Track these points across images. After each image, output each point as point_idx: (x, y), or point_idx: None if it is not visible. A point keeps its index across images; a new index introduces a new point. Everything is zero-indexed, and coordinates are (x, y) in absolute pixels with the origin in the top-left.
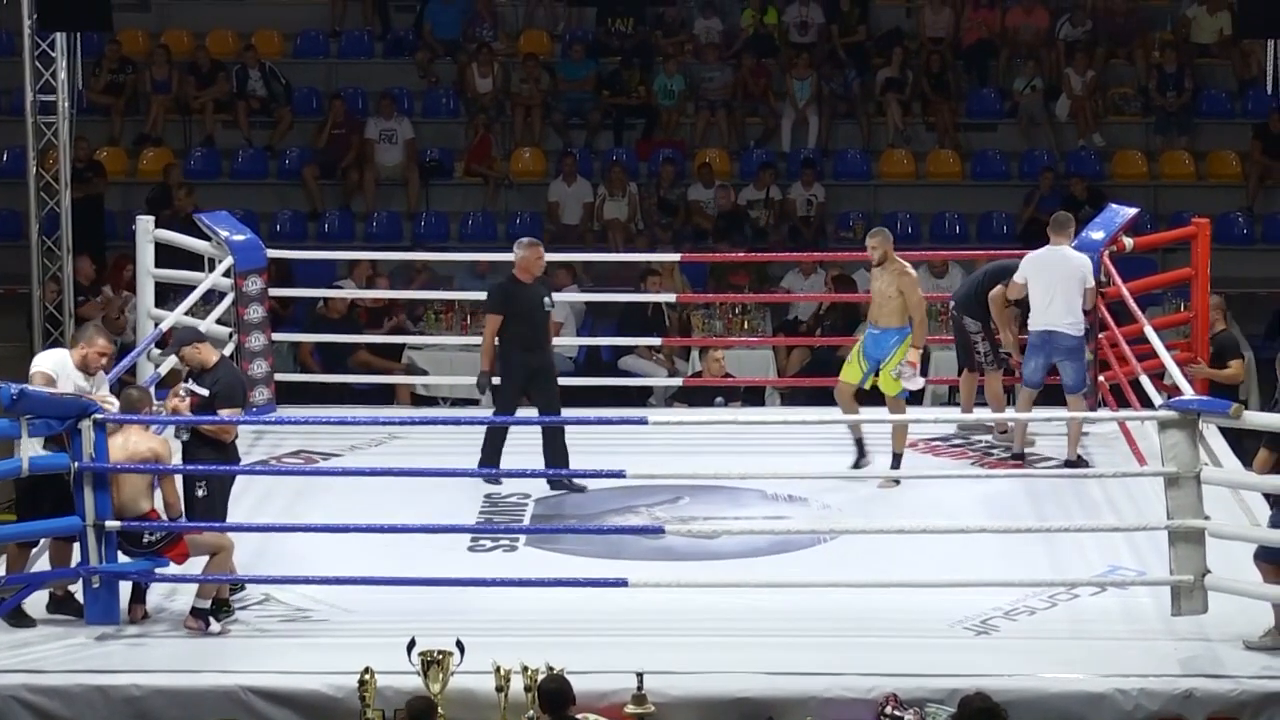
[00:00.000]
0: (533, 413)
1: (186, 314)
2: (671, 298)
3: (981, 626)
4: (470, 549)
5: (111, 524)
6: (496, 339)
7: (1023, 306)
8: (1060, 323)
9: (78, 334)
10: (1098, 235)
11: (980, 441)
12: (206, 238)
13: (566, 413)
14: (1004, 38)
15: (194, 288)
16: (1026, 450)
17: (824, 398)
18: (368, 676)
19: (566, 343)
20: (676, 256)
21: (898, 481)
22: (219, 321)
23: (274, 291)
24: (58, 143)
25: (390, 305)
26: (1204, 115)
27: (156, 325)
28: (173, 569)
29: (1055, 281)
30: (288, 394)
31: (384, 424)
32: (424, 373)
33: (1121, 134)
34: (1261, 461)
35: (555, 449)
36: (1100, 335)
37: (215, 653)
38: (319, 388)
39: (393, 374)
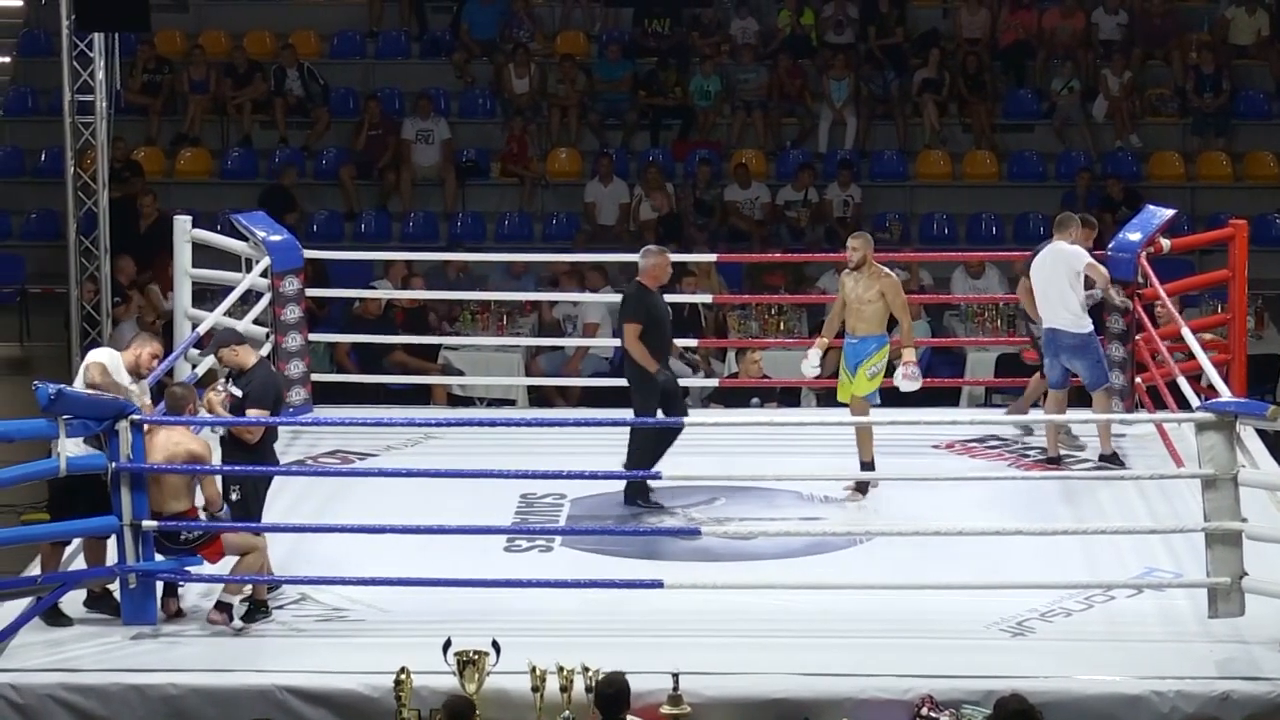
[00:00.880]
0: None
1: (224, 315)
2: (708, 298)
3: (1017, 628)
4: (506, 549)
5: (148, 524)
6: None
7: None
8: (1058, 320)
9: (131, 339)
10: (1135, 236)
11: (1019, 443)
12: (244, 238)
13: (602, 414)
14: (1041, 39)
15: (231, 288)
16: (1066, 453)
17: None
18: (404, 676)
19: (602, 344)
20: (713, 257)
21: (864, 492)
22: (256, 322)
23: (310, 292)
24: (95, 143)
25: (425, 306)
26: (1241, 116)
27: (193, 325)
28: (208, 568)
29: (1050, 280)
30: (324, 394)
31: (420, 424)
32: (460, 373)
33: (1159, 135)
34: None
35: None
36: (1138, 337)
37: (252, 652)
38: (355, 388)
39: (429, 374)
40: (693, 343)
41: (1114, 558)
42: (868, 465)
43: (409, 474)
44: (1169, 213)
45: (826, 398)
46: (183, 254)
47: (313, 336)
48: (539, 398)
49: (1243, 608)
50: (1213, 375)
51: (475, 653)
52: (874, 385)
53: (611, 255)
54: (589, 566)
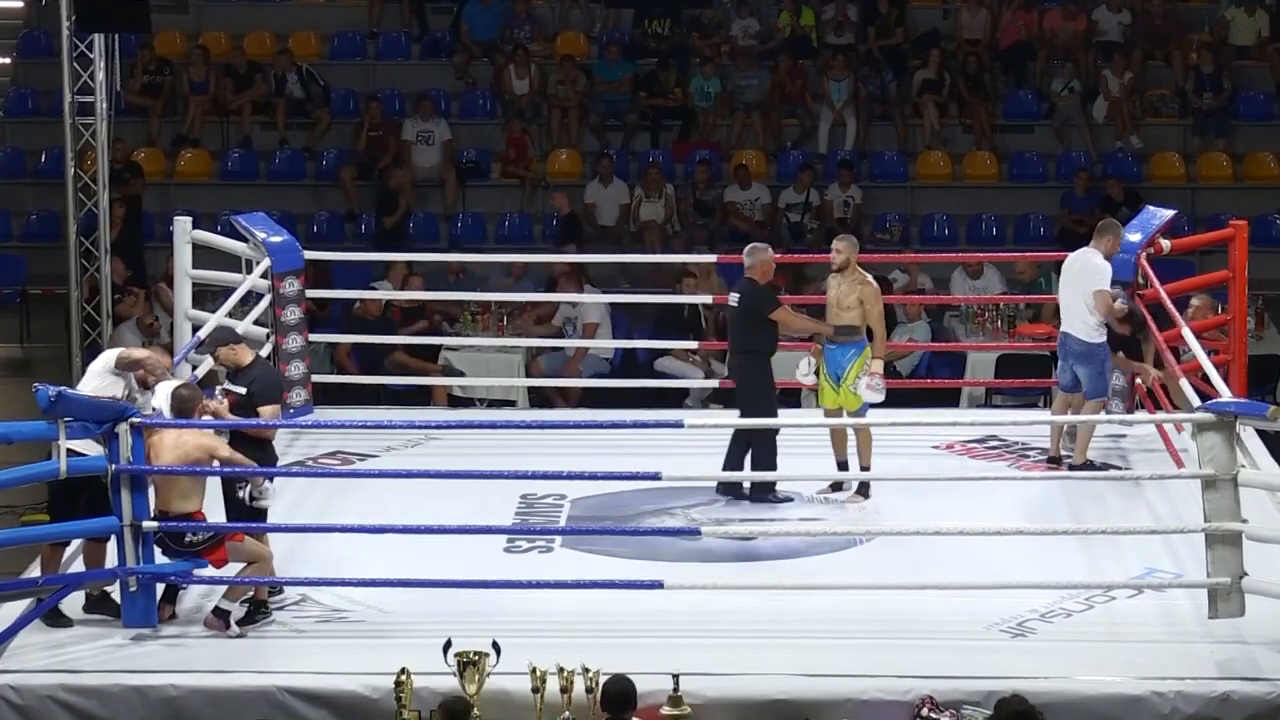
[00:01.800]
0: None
1: (225, 316)
2: (708, 299)
3: (1018, 629)
4: (506, 550)
5: (149, 524)
6: (744, 343)
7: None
8: (1072, 326)
9: (113, 338)
10: (1135, 237)
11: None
12: (244, 239)
13: (601, 415)
14: (1041, 40)
15: (232, 289)
16: (1067, 454)
17: None
18: (404, 677)
19: (601, 344)
20: (713, 258)
21: (868, 496)
22: (256, 323)
23: (311, 293)
24: (96, 144)
25: (425, 306)
26: (1242, 117)
27: (194, 327)
28: (210, 571)
29: (1072, 286)
30: (324, 395)
31: (420, 426)
32: (460, 374)
33: (1159, 136)
34: None
35: (741, 453)
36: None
37: (252, 653)
38: (356, 389)
39: (429, 375)
40: (693, 344)
41: (1114, 558)
42: (865, 470)
43: (409, 475)
44: (1169, 213)
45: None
46: (183, 255)
47: (313, 337)
48: (539, 399)
49: (1243, 608)
50: (1213, 375)
51: (475, 654)
52: (862, 399)
53: (611, 256)
54: (589, 567)
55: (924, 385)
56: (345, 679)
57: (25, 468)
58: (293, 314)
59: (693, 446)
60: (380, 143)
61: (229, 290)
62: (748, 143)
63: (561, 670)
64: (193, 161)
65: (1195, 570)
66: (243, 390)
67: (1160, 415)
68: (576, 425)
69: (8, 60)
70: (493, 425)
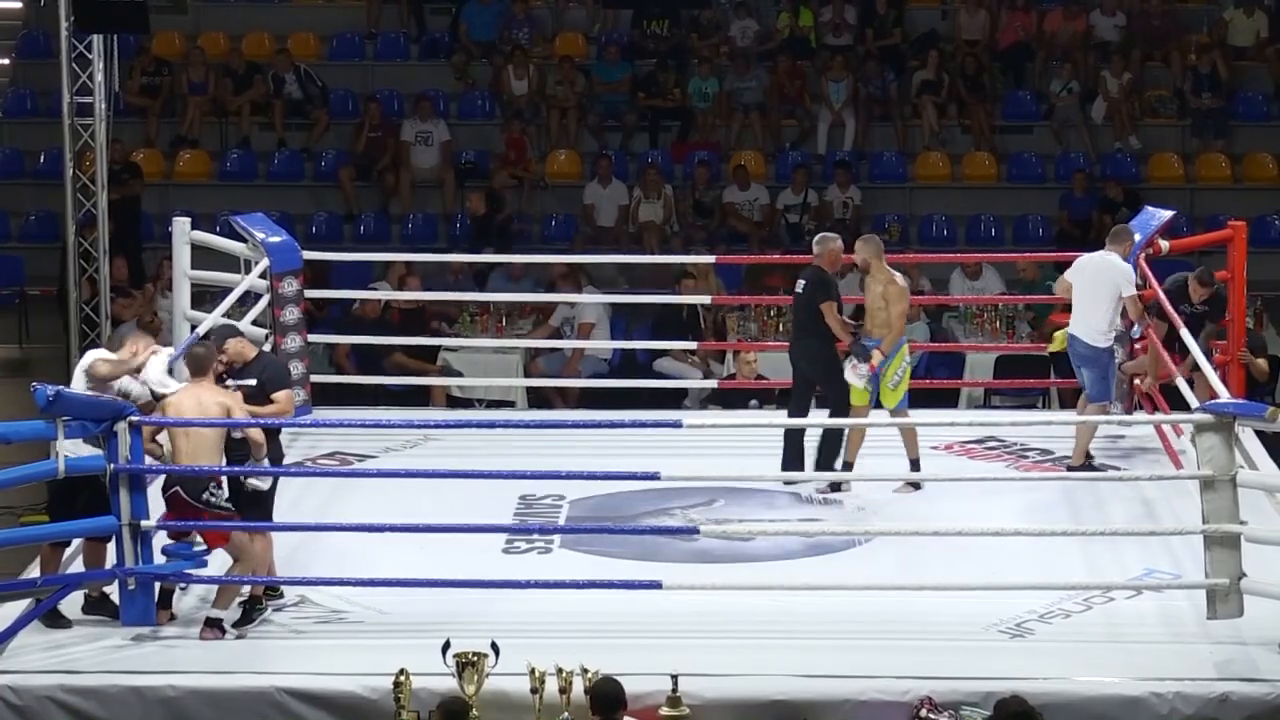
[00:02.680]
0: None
1: (223, 316)
2: (707, 300)
3: (1017, 629)
4: (505, 550)
5: (147, 523)
6: (806, 328)
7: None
8: (1078, 329)
9: (113, 339)
10: (1134, 237)
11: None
12: (243, 239)
13: (599, 416)
14: (1040, 40)
15: (230, 290)
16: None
17: None
18: (403, 678)
19: (599, 345)
20: (712, 259)
21: (918, 486)
22: (255, 323)
23: (310, 293)
24: (94, 145)
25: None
26: (1240, 118)
27: (192, 326)
28: (209, 571)
29: (1089, 289)
30: (323, 395)
31: (419, 426)
32: (459, 374)
33: (1158, 136)
34: None
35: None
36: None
37: (250, 654)
38: (354, 389)
39: (428, 376)
40: (692, 345)
41: (1113, 559)
42: (915, 463)
43: (408, 474)
44: (1168, 214)
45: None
46: (181, 255)
47: (312, 338)
48: (538, 399)
49: (1241, 609)
50: (1211, 377)
51: (474, 654)
52: (899, 394)
53: (611, 257)
54: (588, 567)
55: (923, 386)
56: (344, 680)
57: (23, 467)
58: (291, 314)
59: (692, 447)
60: (379, 143)
61: (228, 291)
62: (746, 143)
63: (560, 671)
64: (191, 162)
65: (1194, 571)
66: (252, 382)
67: (1159, 416)
68: (575, 425)
69: (6, 61)
70: (491, 425)
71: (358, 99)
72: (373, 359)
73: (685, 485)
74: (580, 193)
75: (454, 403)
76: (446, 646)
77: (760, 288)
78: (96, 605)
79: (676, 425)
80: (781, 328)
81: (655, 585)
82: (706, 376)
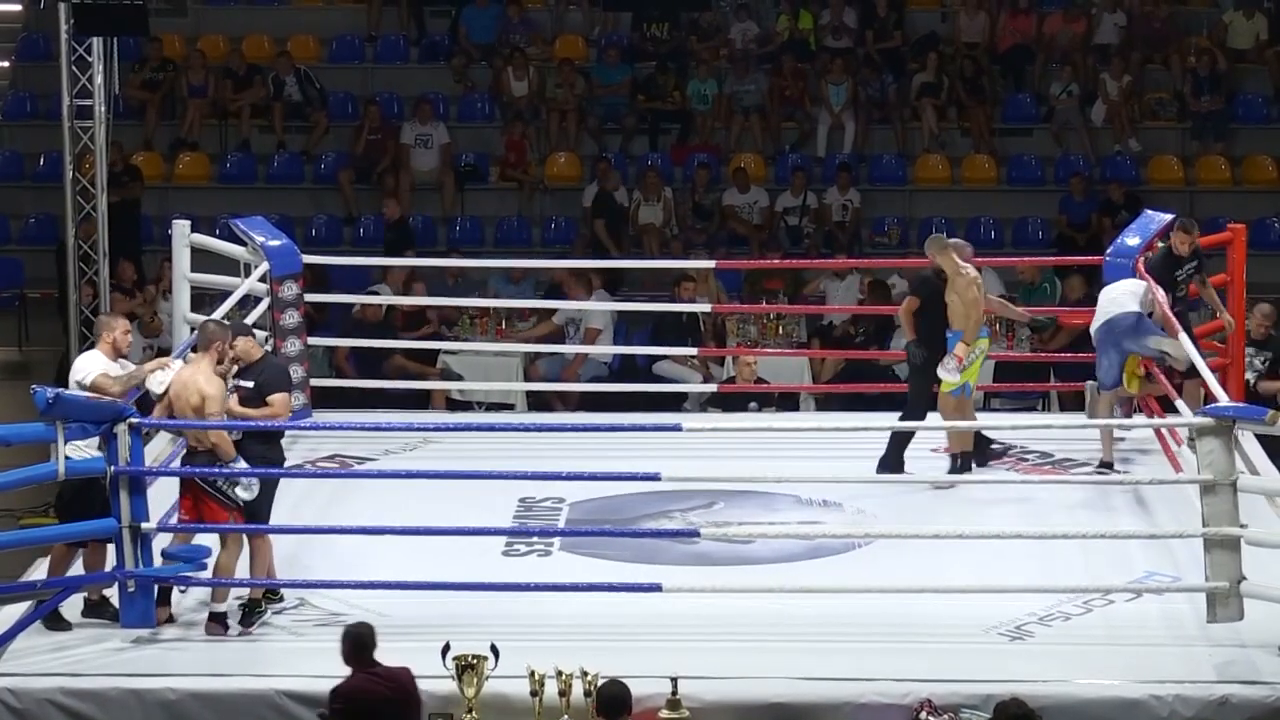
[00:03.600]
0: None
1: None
2: (707, 307)
3: (1016, 632)
4: (505, 553)
5: (147, 526)
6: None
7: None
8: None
9: (97, 329)
10: (1133, 241)
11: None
12: (242, 243)
13: (599, 419)
14: (1040, 43)
15: (229, 293)
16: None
17: (858, 403)
18: None
19: (600, 350)
20: (711, 263)
21: (952, 484)
22: (255, 326)
23: (309, 296)
24: (94, 147)
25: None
26: (1240, 120)
27: (192, 329)
28: (206, 574)
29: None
30: (323, 399)
31: (418, 429)
32: (459, 377)
33: (1157, 139)
34: None
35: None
36: None
37: (250, 656)
38: (354, 392)
39: (428, 379)
40: (692, 350)
41: (1113, 562)
42: (955, 459)
43: (408, 475)
44: (1167, 217)
45: (824, 402)
46: (181, 258)
47: (311, 341)
48: (538, 402)
49: (1241, 612)
50: (1211, 381)
51: (474, 657)
52: (956, 381)
53: (608, 261)
54: (588, 570)
55: None
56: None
57: (22, 470)
58: (291, 318)
59: (692, 450)
60: (379, 146)
61: (227, 294)
62: (746, 146)
63: (560, 674)
64: (191, 165)
65: (1194, 574)
66: (250, 384)
67: (1160, 420)
68: (575, 428)
69: (6, 64)
70: (491, 428)
71: (357, 101)
72: (373, 362)
73: (685, 488)
74: (580, 195)
75: (454, 406)
76: (446, 649)
77: (760, 290)
78: (96, 609)
79: (676, 429)
80: (781, 331)
81: (655, 588)
82: (706, 380)
